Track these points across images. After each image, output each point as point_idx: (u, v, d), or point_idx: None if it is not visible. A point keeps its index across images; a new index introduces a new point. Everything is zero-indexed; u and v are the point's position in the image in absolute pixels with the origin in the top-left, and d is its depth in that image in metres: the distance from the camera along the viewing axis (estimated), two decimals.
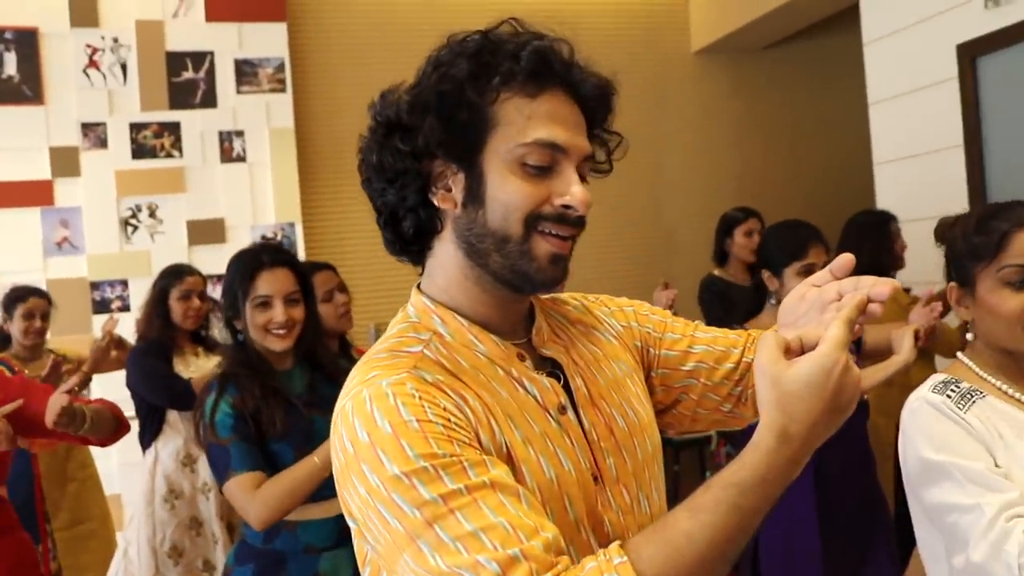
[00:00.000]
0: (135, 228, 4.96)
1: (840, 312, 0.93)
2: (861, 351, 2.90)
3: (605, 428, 1.12)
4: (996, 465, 1.46)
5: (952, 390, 1.56)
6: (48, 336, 3.91)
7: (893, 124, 4.49)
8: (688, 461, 5.35)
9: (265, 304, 2.28)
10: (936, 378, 1.61)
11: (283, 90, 5.22)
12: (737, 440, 4.37)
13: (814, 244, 2.72)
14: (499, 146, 1.04)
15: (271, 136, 5.18)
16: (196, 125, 5.07)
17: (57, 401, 2.21)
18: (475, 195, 1.05)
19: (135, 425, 3.22)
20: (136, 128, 4.98)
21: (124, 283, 4.92)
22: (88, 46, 4.90)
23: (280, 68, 5.22)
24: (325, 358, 2.43)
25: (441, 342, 1.08)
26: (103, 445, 2.54)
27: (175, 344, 3.51)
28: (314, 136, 5.41)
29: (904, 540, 3.04)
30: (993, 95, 3.94)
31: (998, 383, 1.58)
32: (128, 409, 2.72)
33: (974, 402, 1.53)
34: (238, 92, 5.15)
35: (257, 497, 2.10)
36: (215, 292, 4.31)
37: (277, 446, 2.19)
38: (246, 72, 5.16)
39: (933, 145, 4.23)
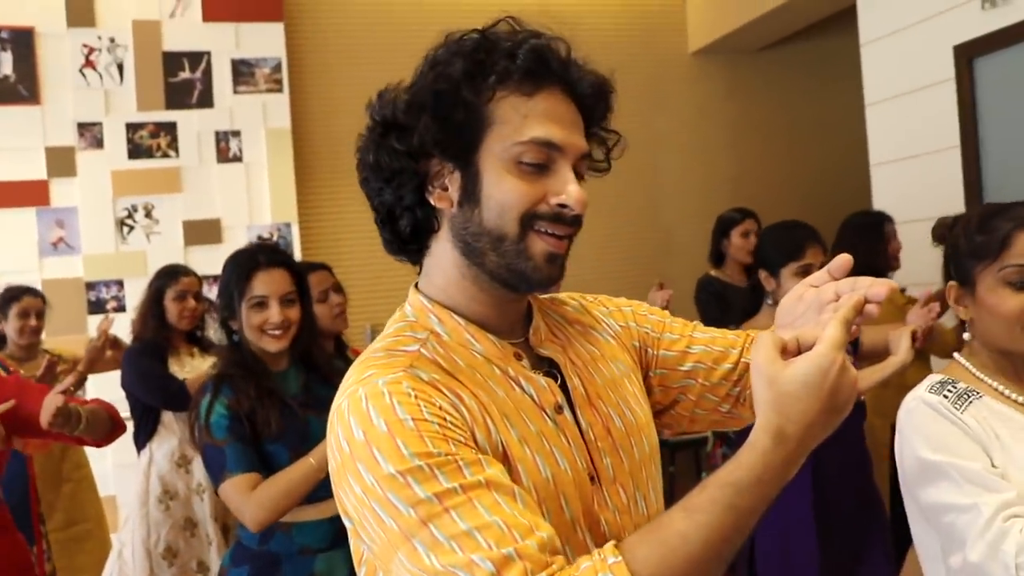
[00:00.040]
0: (131, 228, 4.95)
1: (837, 312, 0.93)
2: (858, 352, 2.90)
3: (602, 428, 1.12)
4: (993, 465, 1.46)
5: (949, 390, 1.56)
6: (43, 336, 3.90)
7: (890, 125, 4.49)
8: (684, 462, 5.35)
9: (261, 305, 2.28)
10: (933, 378, 1.61)
11: (280, 90, 5.22)
12: (733, 442, 4.37)
13: (811, 245, 2.72)
14: (495, 145, 1.04)
15: (268, 136, 5.17)
16: (192, 125, 5.07)
17: (52, 401, 2.21)
18: (471, 194, 1.05)
19: (130, 426, 3.21)
20: (132, 128, 4.97)
21: (120, 283, 4.91)
22: (84, 46, 4.90)
23: (277, 68, 5.21)
24: (320, 359, 2.43)
25: (438, 341, 1.08)
26: (99, 446, 2.53)
27: (170, 344, 3.50)
28: (311, 136, 5.40)
29: (899, 540, 3.05)
30: (990, 96, 3.94)
31: (994, 384, 1.58)
32: (123, 410, 2.71)
33: (971, 402, 1.53)
34: (235, 92, 5.14)
35: (253, 498, 2.10)
36: (211, 293, 4.30)
37: (272, 447, 2.19)
38: (243, 72, 5.16)
39: (930, 146, 4.24)
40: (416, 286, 1.15)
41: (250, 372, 2.26)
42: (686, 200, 6.14)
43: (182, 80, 5.07)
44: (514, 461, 1.00)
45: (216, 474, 2.15)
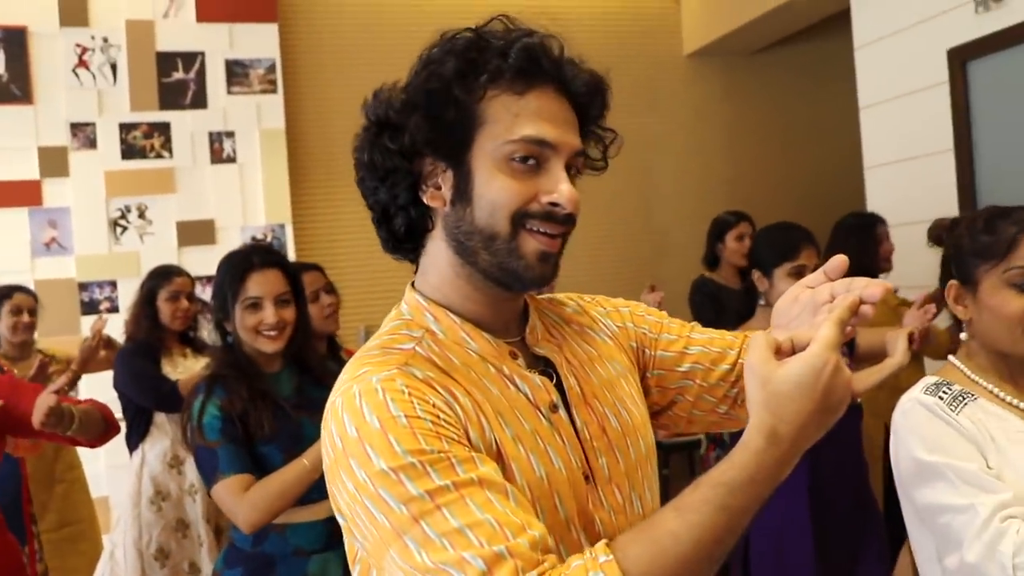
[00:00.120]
0: (124, 229, 4.94)
1: (832, 313, 0.93)
2: (855, 354, 2.91)
3: (598, 427, 1.11)
4: (988, 467, 1.46)
5: (944, 392, 1.56)
6: (36, 336, 3.89)
7: (884, 128, 4.50)
8: (678, 465, 5.35)
9: (255, 306, 2.27)
10: (928, 380, 1.61)
11: (274, 91, 5.21)
12: (727, 445, 4.37)
13: (806, 246, 2.73)
14: (487, 144, 1.04)
15: (262, 137, 5.17)
16: (186, 126, 5.06)
17: (45, 401, 2.19)
18: (463, 193, 1.05)
19: (123, 426, 3.20)
20: (126, 128, 4.96)
21: (113, 284, 4.89)
22: (78, 45, 4.88)
23: (271, 69, 5.20)
24: (313, 360, 2.42)
25: (433, 339, 1.08)
26: (92, 446, 2.52)
27: (163, 345, 3.50)
28: (305, 137, 5.40)
29: (892, 540, 3.06)
30: (983, 99, 3.95)
31: (989, 386, 1.59)
32: (116, 410, 2.70)
33: (966, 404, 1.54)
34: (229, 93, 5.13)
35: (246, 500, 2.09)
36: (204, 293, 4.29)
37: (265, 448, 2.18)
38: (237, 73, 5.15)
39: (924, 149, 4.24)
40: (412, 285, 1.15)
41: (243, 373, 2.25)
42: (681, 202, 6.15)
43: (176, 80, 5.06)
44: (508, 459, 1.00)
45: (209, 475, 2.15)
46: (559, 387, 1.11)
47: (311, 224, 5.42)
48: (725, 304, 3.98)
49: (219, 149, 5.11)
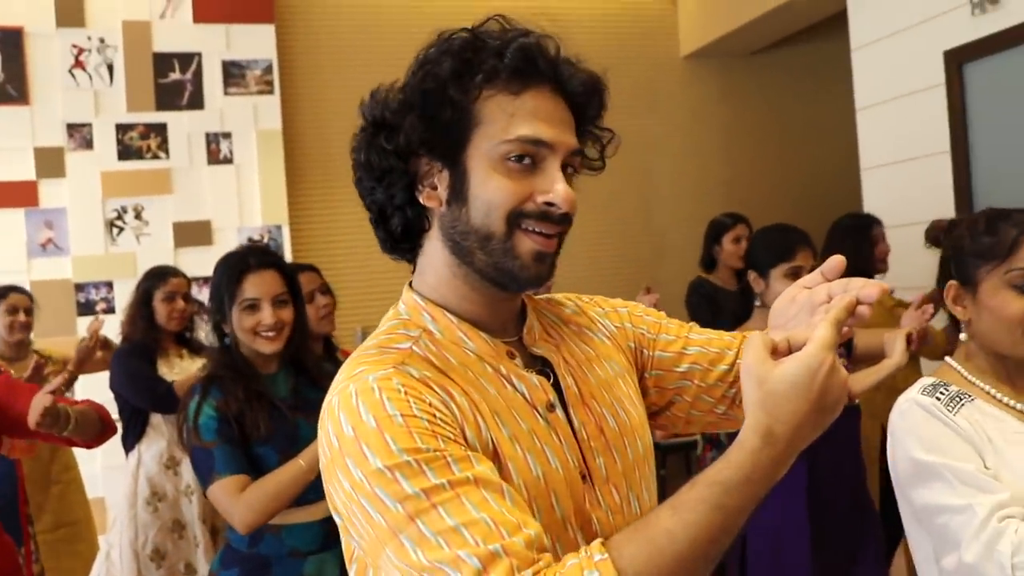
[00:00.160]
0: (120, 230, 4.93)
1: (828, 313, 0.93)
2: (852, 356, 2.91)
3: (595, 427, 1.11)
4: (985, 467, 1.46)
5: (941, 393, 1.56)
6: (32, 337, 3.88)
7: (880, 130, 4.51)
8: (675, 465, 5.35)
9: (253, 307, 2.27)
10: (925, 381, 1.62)
11: (271, 92, 5.21)
12: (724, 446, 4.37)
13: (802, 248, 2.73)
14: (482, 144, 1.04)
15: (258, 138, 5.16)
16: (183, 126, 5.06)
17: (40, 401, 2.19)
18: (459, 193, 1.05)
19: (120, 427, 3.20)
20: (122, 129, 4.95)
21: (109, 285, 4.89)
22: (74, 46, 4.88)
23: (268, 70, 5.20)
24: (310, 362, 2.42)
25: (431, 339, 1.08)
26: (89, 447, 2.51)
27: (159, 346, 3.49)
28: (302, 138, 5.40)
29: (887, 540, 3.06)
30: (980, 101, 3.96)
31: (986, 387, 1.59)
32: (113, 411, 2.70)
33: (963, 405, 1.54)
34: (225, 94, 5.13)
35: (241, 500, 2.09)
36: (201, 294, 4.29)
37: (261, 449, 2.18)
38: (233, 74, 5.15)
39: (920, 151, 4.25)
40: (410, 285, 1.15)
41: (239, 374, 2.25)
42: (678, 203, 6.15)
43: (172, 81, 5.05)
44: (504, 459, 1.00)
45: (204, 476, 2.14)
46: (556, 387, 1.11)
47: (308, 225, 5.42)
48: (722, 306, 3.99)
49: (216, 150, 5.11)
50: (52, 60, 4.84)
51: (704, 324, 1.34)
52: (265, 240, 5.09)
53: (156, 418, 3.44)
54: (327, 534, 2.20)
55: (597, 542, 0.89)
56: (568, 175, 1.08)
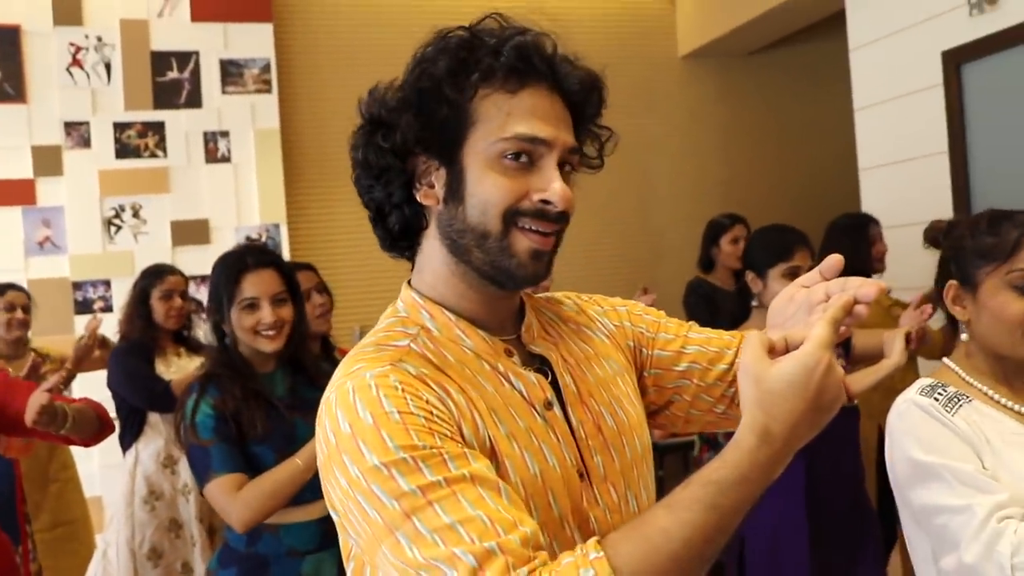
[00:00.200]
0: (118, 228, 4.93)
1: (825, 312, 0.93)
2: (850, 356, 2.91)
3: (593, 426, 1.11)
4: (983, 468, 1.46)
5: (939, 393, 1.56)
6: (30, 335, 3.88)
7: (878, 130, 4.51)
8: (673, 465, 5.35)
9: (252, 306, 2.26)
10: (923, 382, 1.62)
11: (269, 91, 5.20)
12: (720, 446, 4.37)
13: (800, 247, 2.73)
14: (478, 142, 1.04)
15: (256, 137, 5.16)
16: (181, 125, 5.05)
17: (37, 399, 2.19)
18: (455, 191, 1.05)
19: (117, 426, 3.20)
20: (120, 128, 4.94)
21: (107, 283, 4.88)
22: (72, 44, 4.87)
23: (266, 69, 5.19)
24: (308, 361, 2.42)
25: (428, 337, 1.08)
26: (86, 445, 2.51)
27: (157, 344, 3.49)
28: (300, 137, 5.39)
29: (884, 541, 3.06)
30: (978, 102, 3.96)
31: (984, 388, 1.59)
32: (110, 409, 2.69)
33: (961, 406, 1.54)
34: (223, 92, 5.12)
35: (238, 499, 2.09)
36: (198, 293, 4.28)
37: (258, 448, 2.18)
38: (231, 72, 5.14)
39: (918, 151, 4.25)
40: (409, 283, 1.15)
41: (237, 373, 2.25)
42: (677, 203, 6.15)
43: (170, 80, 5.05)
44: (501, 456, 1.00)
45: (201, 474, 2.14)
46: (555, 385, 1.11)
47: (306, 224, 5.41)
48: (720, 306, 3.99)
49: (214, 149, 5.10)
50: (50, 58, 4.83)
51: (702, 324, 1.34)
52: (263, 239, 5.08)
53: (154, 417, 3.44)
54: (325, 533, 2.20)
55: (593, 540, 0.89)
56: (566, 173, 1.08)
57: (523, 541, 0.88)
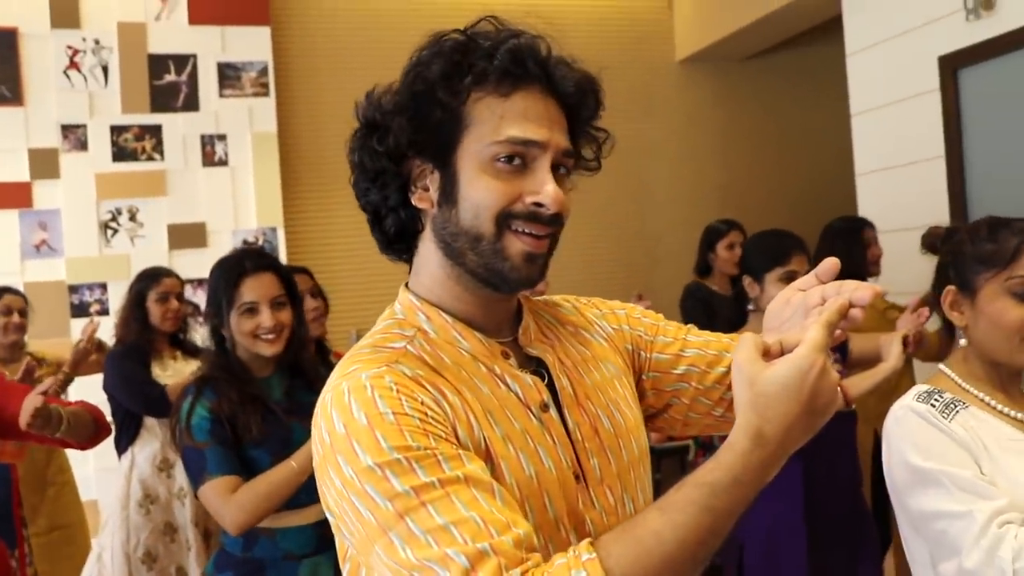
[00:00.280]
0: (115, 231, 4.92)
1: (820, 315, 0.93)
2: (847, 360, 2.91)
3: (590, 428, 1.11)
4: (981, 474, 1.46)
5: (936, 400, 1.57)
6: (26, 339, 3.87)
7: (875, 135, 4.52)
8: (669, 469, 5.35)
9: (252, 311, 2.26)
10: (919, 388, 1.62)
11: (266, 94, 5.20)
12: (715, 450, 4.37)
13: (797, 252, 2.73)
14: (472, 145, 1.04)
15: (254, 140, 5.16)
16: (178, 128, 5.05)
17: (31, 402, 2.18)
18: (449, 194, 1.06)
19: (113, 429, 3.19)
20: (117, 130, 4.94)
21: (103, 287, 4.88)
22: (69, 47, 4.87)
23: (263, 72, 5.20)
24: (307, 364, 2.41)
25: (425, 339, 1.08)
26: (83, 448, 2.50)
27: (153, 347, 3.48)
28: (297, 141, 5.39)
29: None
30: (974, 107, 3.97)
31: (980, 394, 1.59)
32: (106, 412, 2.69)
33: (957, 412, 1.55)
34: (221, 96, 5.12)
35: (232, 501, 2.08)
36: (195, 297, 4.28)
37: (254, 452, 2.18)
38: (229, 76, 5.14)
39: (915, 156, 4.26)
40: (406, 285, 1.15)
41: (234, 376, 2.24)
42: (674, 207, 6.16)
43: (167, 83, 5.05)
44: (497, 458, 1.00)
45: (196, 476, 2.14)
46: (551, 387, 1.11)
47: (303, 228, 5.41)
48: (717, 310, 3.99)
49: (211, 152, 5.10)
50: (47, 61, 4.83)
51: (700, 328, 1.34)
52: (260, 243, 5.08)
53: (150, 420, 3.43)
54: (321, 537, 2.20)
55: (586, 542, 0.89)
56: (561, 176, 1.08)
57: (516, 543, 0.88)
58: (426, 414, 0.96)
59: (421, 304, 1.11)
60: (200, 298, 4.26)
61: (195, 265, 4.70)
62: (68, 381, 3.60)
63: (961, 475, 1.45)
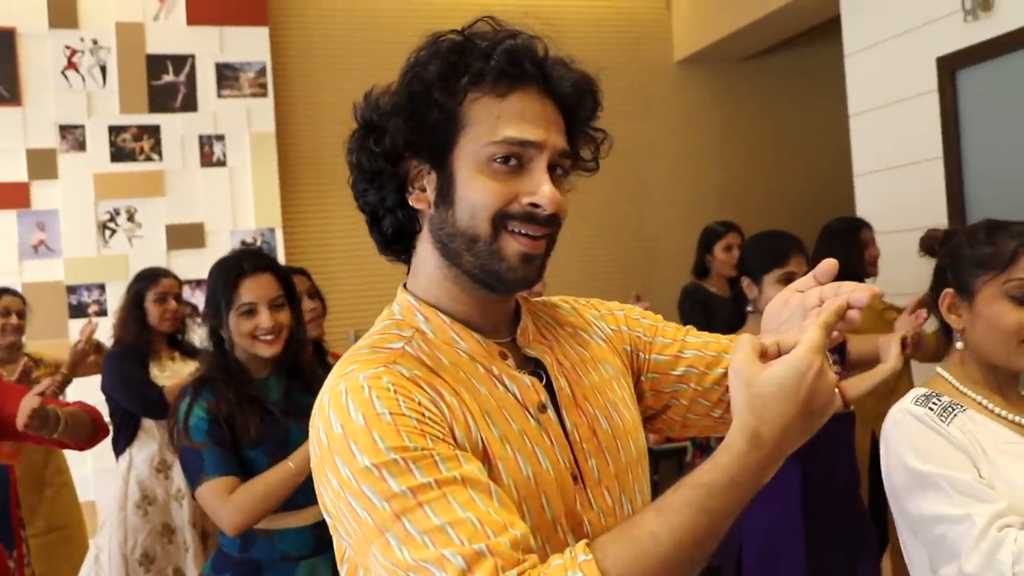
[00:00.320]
0: (113, 232, 4.92)
1: (818, 317, 0.93)
2: (846, 361, 2.91)
3: (588, 429, 1.11)
4: (980, 477, 1.47)
5: (934, 403, 1.57)
6: (24, 340, 3.86)
7: (873, 136, 4.52)
8: (667, 470, 5.35)
9: (250, 311, 2.26)
10: (917, 391, 1.62)
11: (264, 95, 5.20)
12: (713, 451, 4.37)
13: (795, 254, 2.73)
14: (468, 146, 1.04)
15: (252, 141, 5.15)
16: (176, 128, 5.05)
17: (28, 403, 2.18)
18: (445, 195, 1.05)
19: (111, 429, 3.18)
20: (115, 131, 4.94)
21: (101, 287, 4.88)
22: (67, 47, 4.87)
23: (262, 72, 5.19)
24: (305, 365, 2.41)
25: (423, 339, 1.08)
26: (81, 449, 2.50)
27: (151, 348, 3.48)
28: (295, 141, 5.39)
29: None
30: (972, 108, 3.97)
31: (978, 397, 1.60)
32: (104, 413, 2.68)
33: (955, 415, 1.55)
34: (219, 96, 5.12)
35: (230, 502, 2.08)
36: (193, 297, 4.28)
37: (251, 453, 2.17)
38: (227, 76, 5.14)
39: (913, 157, 4.26)
40: (405, 286, 1.15)
41: (232, 377, 2.24)
42: (672, 208, 6.16)
43: (166, 83, 5.05)
44: (494, 459, 1.00)
45: (193, 477, 2.13)
46: (549, 388, 1.11)
47: (301, 228, 5.41)
48: (715, 312, 3.99)
49: (209, 152, 5.10)
50: (45, 61, 4.83)
51: (699, 329, 1.34)
52: (258, 243, 5.08)
53: (148, 421, 3.42)
54: (319, 539, 2.20)
55: (582, 543, 0.89)
56: (558, 177, 1.08)
57: (513, 544, 0.88)
58: (423, 415, 0.96)
59: (419, 305, 1.11)
60: (198, 299, 4.26)
61: (193, 266, 4.70)
62: (66, 382, 3.60)
63: (960, 478, 1.45)
